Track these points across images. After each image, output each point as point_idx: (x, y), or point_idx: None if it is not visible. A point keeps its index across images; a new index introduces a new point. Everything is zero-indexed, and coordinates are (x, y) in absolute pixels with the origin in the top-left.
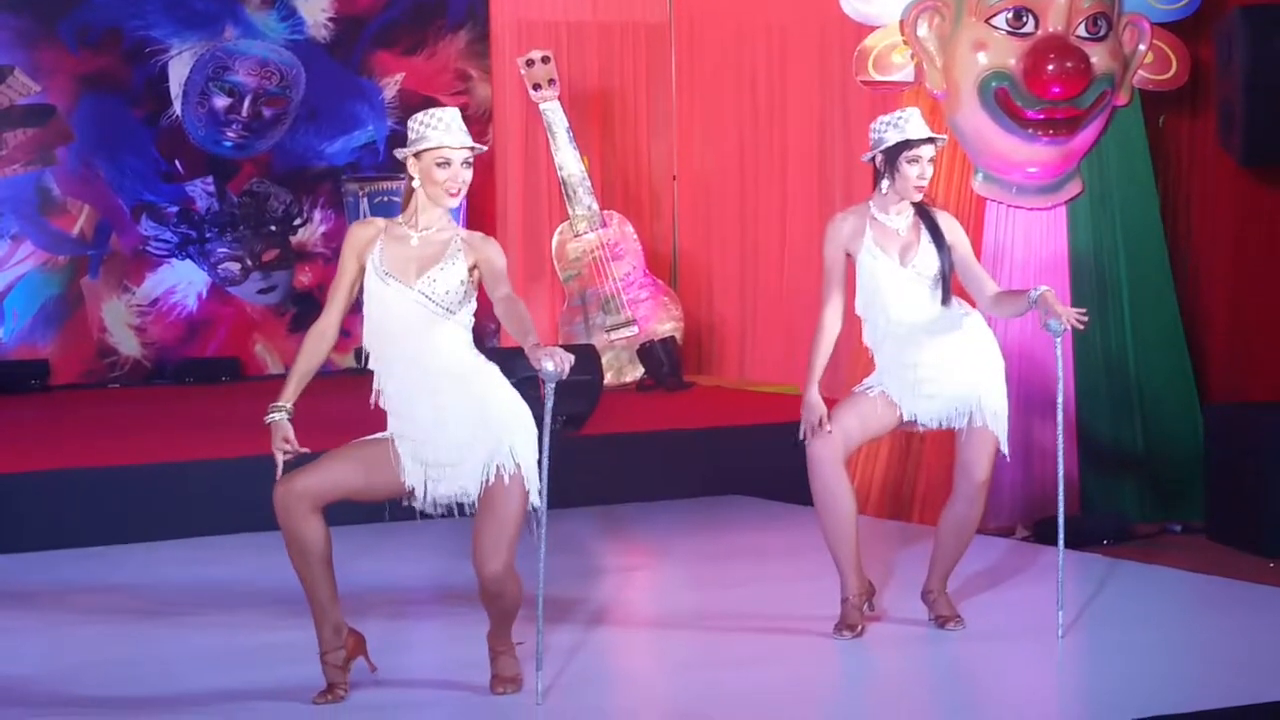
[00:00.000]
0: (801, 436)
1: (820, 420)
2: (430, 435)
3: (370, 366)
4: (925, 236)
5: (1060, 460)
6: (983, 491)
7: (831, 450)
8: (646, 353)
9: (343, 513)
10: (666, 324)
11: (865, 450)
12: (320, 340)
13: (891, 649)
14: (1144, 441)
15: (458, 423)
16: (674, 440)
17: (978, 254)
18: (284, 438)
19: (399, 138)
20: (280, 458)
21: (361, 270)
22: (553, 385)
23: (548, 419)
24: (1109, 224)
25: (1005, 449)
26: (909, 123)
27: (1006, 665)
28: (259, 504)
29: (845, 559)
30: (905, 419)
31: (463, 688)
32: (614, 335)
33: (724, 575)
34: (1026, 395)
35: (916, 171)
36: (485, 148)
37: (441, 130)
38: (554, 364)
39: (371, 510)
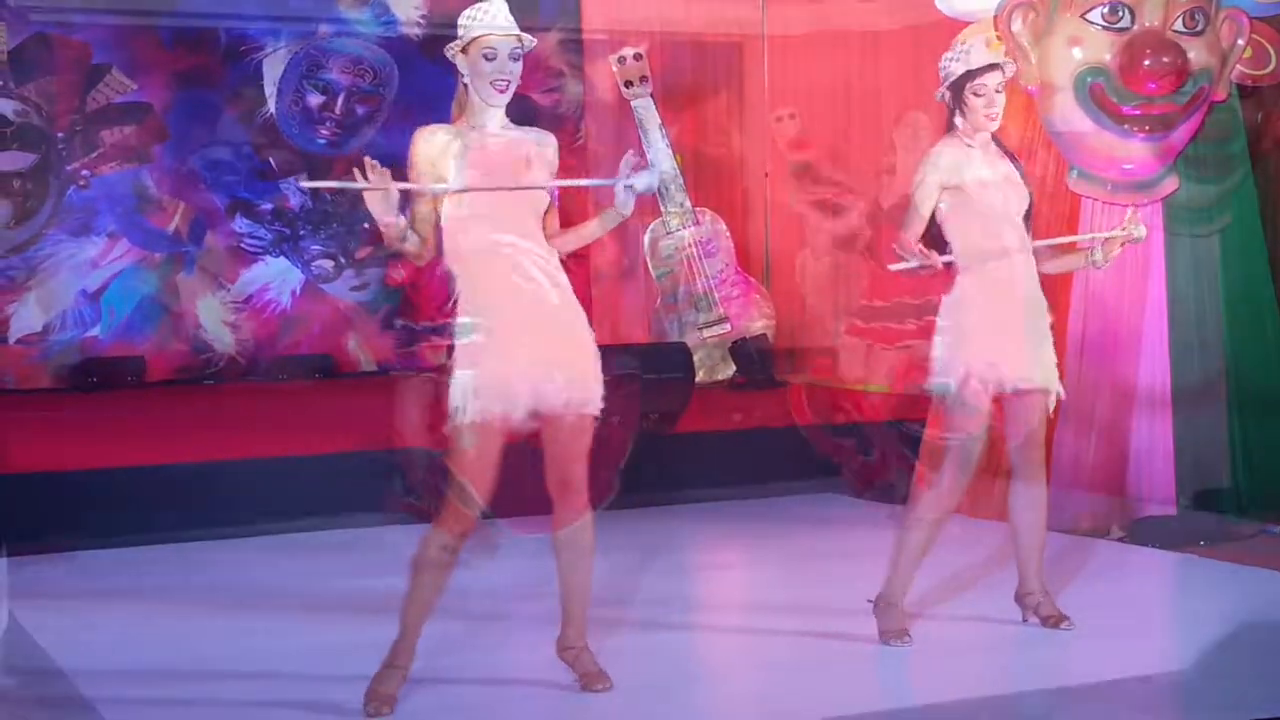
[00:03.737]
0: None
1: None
2: (513, 333)
3: (451, 268)
4: (1015, 173)
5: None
6: (1042, 453)
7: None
8: (738, 350)
9: None
10: (758, 321)
11: None
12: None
13: (981, 650)
14: (1241, 441)
15: (543, 332)
16: (766, 438)
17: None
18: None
19: None
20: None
21: (435, 179)
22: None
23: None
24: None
25: (1061, 391)
26: (971, 52)
27: (1098, 665)
28: (352, 500)
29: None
30: (998, 390)
31: (551, 685)
32: (706, 333)
33: (816, 574)
34: (1123, 394)
35: (983, 104)
36: (534, 41)
37: (487, 21)
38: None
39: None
